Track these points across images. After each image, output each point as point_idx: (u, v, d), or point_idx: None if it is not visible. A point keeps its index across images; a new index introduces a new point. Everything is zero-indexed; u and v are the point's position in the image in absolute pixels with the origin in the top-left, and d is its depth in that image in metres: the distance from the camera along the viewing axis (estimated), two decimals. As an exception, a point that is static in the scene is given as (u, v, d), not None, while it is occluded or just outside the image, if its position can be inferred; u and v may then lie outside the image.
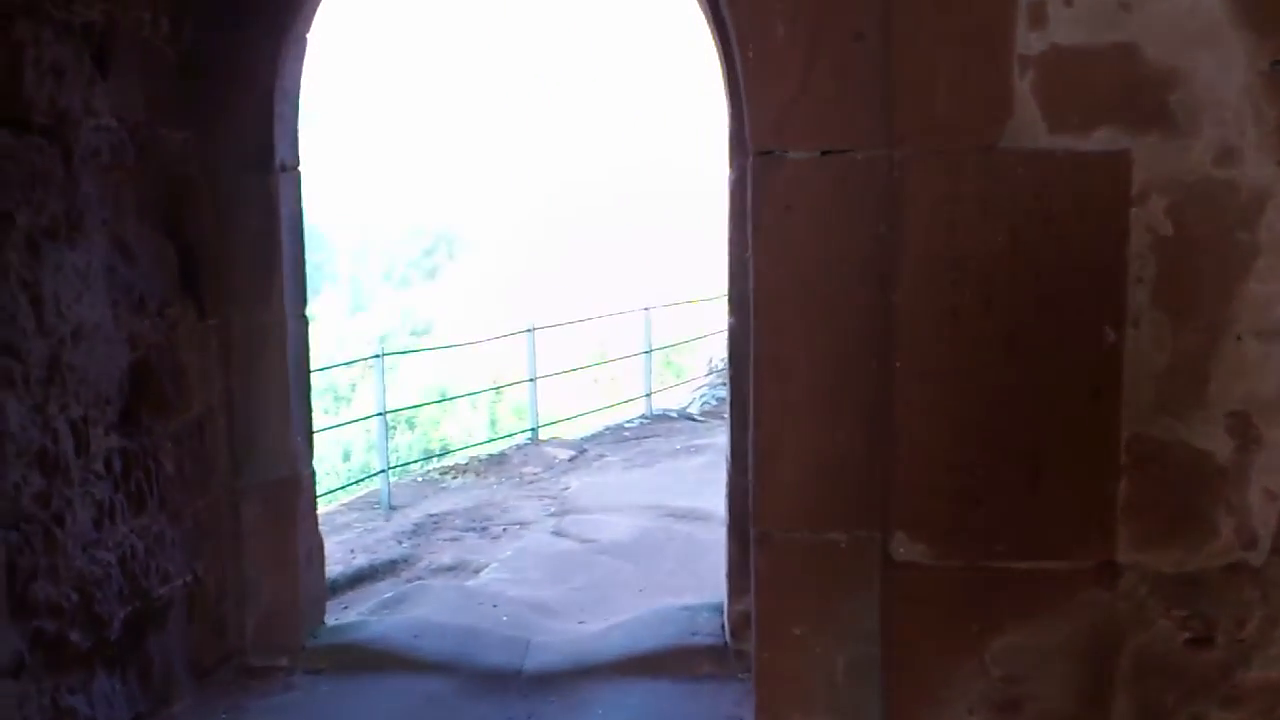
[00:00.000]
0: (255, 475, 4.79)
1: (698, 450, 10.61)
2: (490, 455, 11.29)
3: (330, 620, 5.31)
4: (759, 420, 3.47)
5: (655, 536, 7.73)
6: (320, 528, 5.35)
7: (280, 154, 4.73)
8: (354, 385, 29.45)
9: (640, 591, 6.52)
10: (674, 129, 46.82)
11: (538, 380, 12.18)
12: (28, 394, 3.48)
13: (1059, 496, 3.36)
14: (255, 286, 4.72)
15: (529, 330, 12.06)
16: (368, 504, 9.74)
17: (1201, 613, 3.40)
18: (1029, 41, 3.22)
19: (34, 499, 3.50)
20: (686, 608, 5.34)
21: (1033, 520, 3.37)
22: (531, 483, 10.06)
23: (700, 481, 8.88)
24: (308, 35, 4.86)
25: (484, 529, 8.47)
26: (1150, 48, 3.20)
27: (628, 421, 12.80)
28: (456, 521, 8.71)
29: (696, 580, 6.36)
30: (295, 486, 4.90)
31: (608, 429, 12.45)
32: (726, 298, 4.67)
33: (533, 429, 12.18)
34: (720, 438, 8.67)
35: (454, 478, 10.46)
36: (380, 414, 10.04)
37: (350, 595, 6.86)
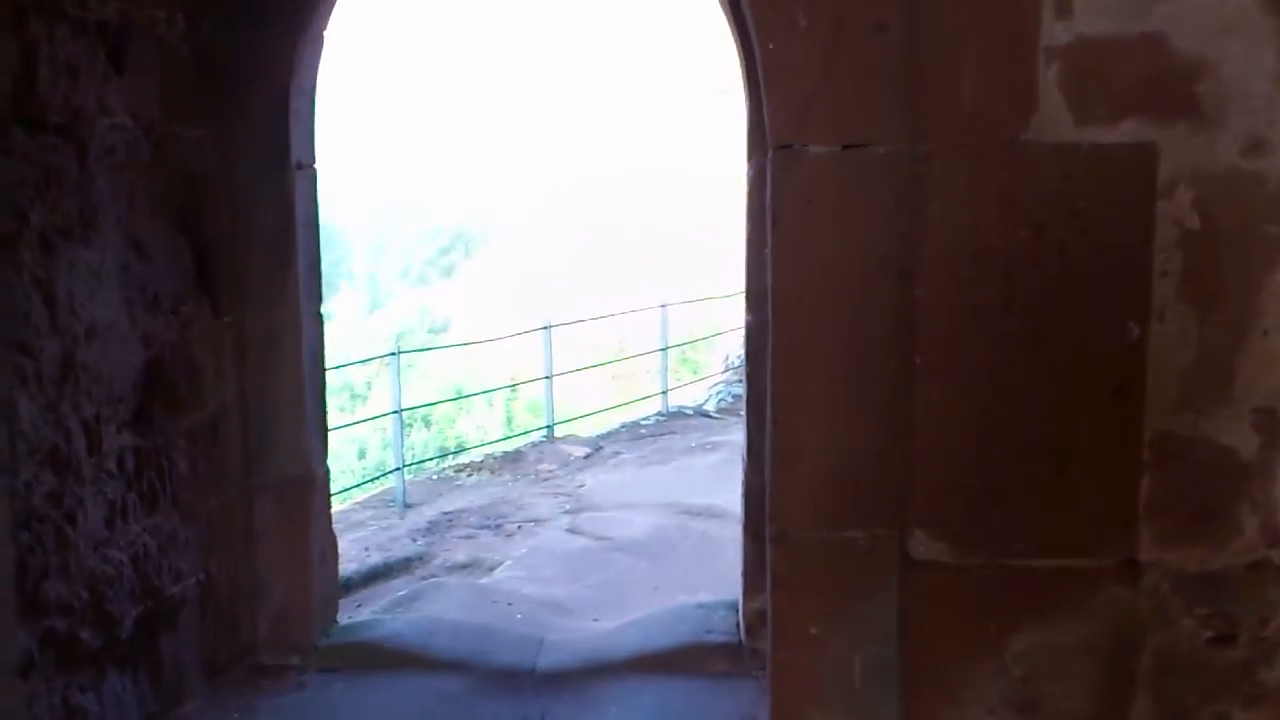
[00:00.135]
0: (269, 474, 4.77)
1: (714, 447, 10.58)
2: (505, 453, 11.28)
3: (344, 619, 5.29)
4: (777, 418, 3.43)
5: (671, 534, 7.71)
6: (335, 526, 5.33)
7: (296, 152, 4.71)
8: (370, 383, 29.53)
9: (655, 589, 6.50)
10: (691, 124, 46.77)
11: (554, 378, 12.16)
12: (40, 392, 3.46)
13: (1081, 494, 3.31)
14: (270, 285, 4.70)
15: (545, 328, 12.04)
16: (382, 502, 9.74)
17: (1224, 611, 3.35)
18: (1055, 32, 3.17)
19: (45, 498, 3.48)
20: (701, 606, 5.31)
21: (1054, 518, 3.33)
22: (547, 480, 10.04)
23: (716, 479, 8.85)
24: (325, 33, 4.83)
25: (499, 527, 8.45)
26: (1178, 37, 3.16)
27: (644, 419, 12.78)
28: (471, 519, 8.70)
29: (712, 578, 6.33)
30: (309, 485, 4.88)
31: (624, 426, 12.43)
32: (744, 294, 4.64)
33: (548, 426, 12.17)
34: (736, 435, 8.63)
35: (469, 475, 10.45)
36: (396, 412, 10.04)
37: (364, 593, 6.85)
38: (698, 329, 21.17)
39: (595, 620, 5.80)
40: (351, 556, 7.44)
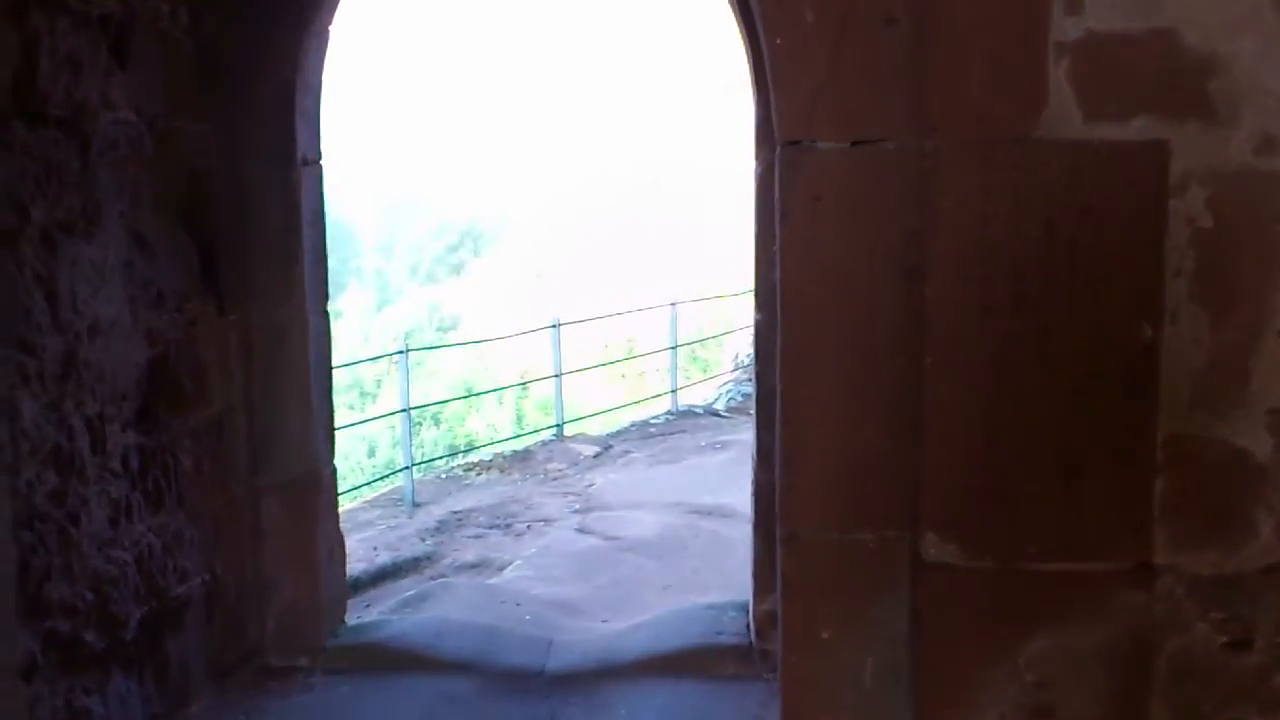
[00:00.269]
0: (275, 473, 4.75)
1: (723, 446, 10.55)
2: (515, 451, 11.27)
3: (352, 619, 5.27)
4: (786, 417, 3.39)
5: (680, 534, 7.69)
6: (343, 525, 5.31)
7: (302, 148, 4.69)
8: (379, 381, 29.59)
9: (665, 589, 6.48)
10: (701, 121, 46.75)
11: (563, 376, 12.14)
12: (43, 391, 3.43)
13: (1094, 496, 3.26)
14: (276, 282, 4.68)
15: (554, 326, 12.02)
16: (391, 501, 9.73)
17: (1240, 615, 3.30)
18: (1065, 27, 3.12)
19: (48, 497, 3.45)
20: (711, 606, 5.28)
21: (1067, 521, 3.28)
22: (556, 479, 10.03)
23: (726, 478, 8.83)
24: (330, 28, 4.82)
25: (508, 526, 8.43)
26: (1190, 33, 3.10)
27: (653, 417, 12.76)
28: (480, 518, 8.68)
29: (722, 578, 6.31)
30: (316, 484, 4.86)
31: (633, 425, 12.42)
32: (753, 292, 4.60)
33: (558, 425, 12.15)
34: (746, 434, 8.60)
35: (478, 474, 10.44)
36: (404, 410, 10.03)
37: (373, 593, 6.84)
38: (707, 327, 21.15)
39: (605, 621, 5.77)
40: (360, 556, 7.43)
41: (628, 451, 10.93)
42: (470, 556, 7.69)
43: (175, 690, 4.16)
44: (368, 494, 10.48)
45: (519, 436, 13.59)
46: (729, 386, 14.27)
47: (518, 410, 25.02)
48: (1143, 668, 3.33)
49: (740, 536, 6.09)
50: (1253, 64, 3.11)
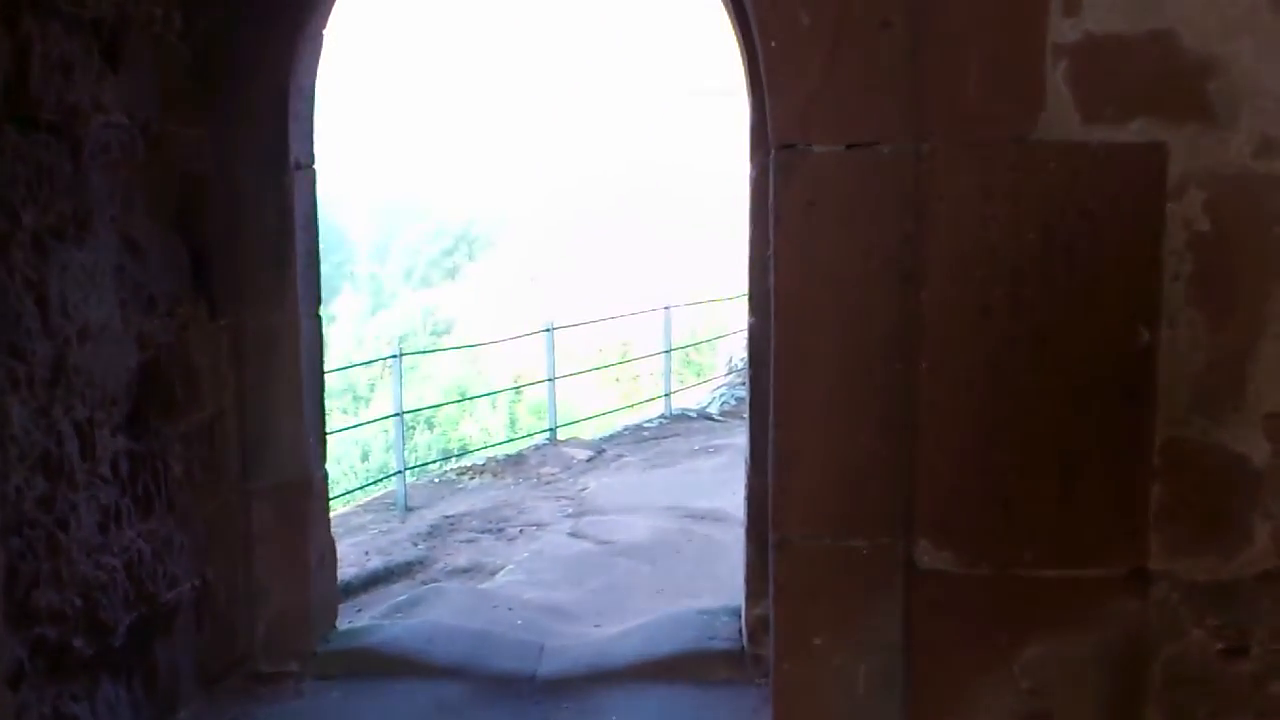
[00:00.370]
0: (266, 478, 4.72)
1: (717, 450, 10.54)
2: (508, 456, 11.24)
3: (343, 624, 5.25)
4: (779, 422, 3.38)
5: (673, 538, 7.67)
6: (335, 529, 5.29)
7: (295, 152, 4.67)
8: (373, 385, 29.56)
9: (658, 593, 6.46)
10: (696, 125, 46.78)
11: (556, 380, 12.12)
12: (32, 396, 3.41)
13: (1090, 502, 3.25)
14: (268, 286, 4.66)
15: (547, 330, 12.00)
16: (384, 505, 9.70)
17: (1235, 622, 3.28)
18: (1062, 29, 3.11)
19: (37, 503, 3.43)
20: (704, 611, 5.26)
21: (1063, 527, 3.26)
22: (549, 483, 10.00)
23: (719, 482, 8.82)
24: (323, 32, 4.80)
25: (500, 530, 8.41)
26: (1188, 35, 3.09)
27: (647, 421, 12.75)
28: (473, 523, 8.66)
29: (715, 582, 6.29)
30: (307, 489, 4.83)
31: (627, 429, 12.40)
32: (747, 296, 4.59)
33: (551, 429, 12.13)
34: (739, 438, 8.59)
35: (471, 478, 10.42)
36: (397, 414, 10.00)
37: (365, 597, 6.81)
38: (701, 331, 21.15)
39: (597, 626, 5.75)
40: (352, 560, 7.40)
41: (621, 455, 10.91)
42: (462, 561, 7.67)
43: (164, 697, 4.13)
44: (360, 498, 10.46)
45: (512, 440, 13.57)
46: (723, 390, 14.26)
47: (511, 414, 25.01)
48: (1138, 674, 3.31)
49: (733, 541, 6.07)
50: (1251, 65, 3.10)
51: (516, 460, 10.96)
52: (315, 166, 4.89)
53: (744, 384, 6.98)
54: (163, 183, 4.11)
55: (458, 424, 25.43)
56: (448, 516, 8.87)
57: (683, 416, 12.81)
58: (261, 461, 4.71)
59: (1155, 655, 3.31)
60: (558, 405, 12.34)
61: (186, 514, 4.28)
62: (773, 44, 3.25)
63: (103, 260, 3.76)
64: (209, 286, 4.43)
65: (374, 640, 4.99)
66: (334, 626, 5.10)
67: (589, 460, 10.79)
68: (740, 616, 4.93)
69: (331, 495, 5.43)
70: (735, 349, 15.57)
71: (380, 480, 11.51)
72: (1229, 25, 3.08)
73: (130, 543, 3.94)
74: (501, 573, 7.19)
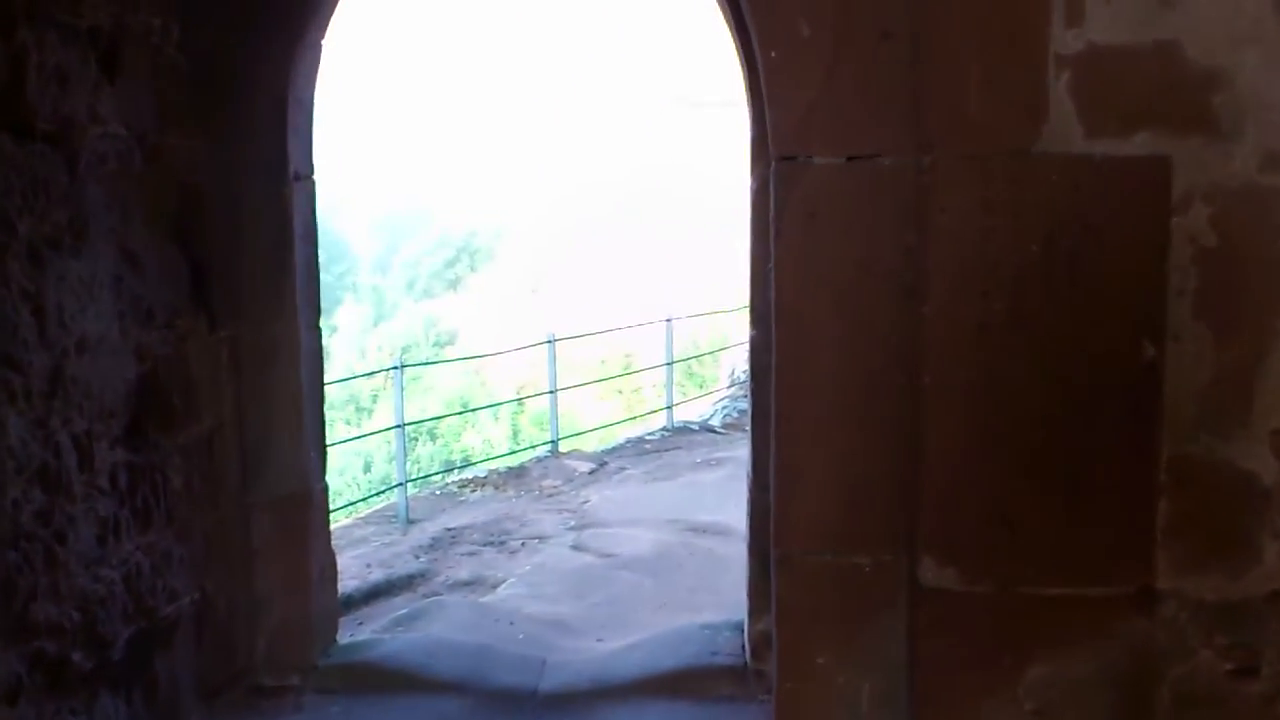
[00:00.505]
0: (266, 490, 4.70)
1: (719, 463, 10.51)
2: (509, 468, 11.21)
3: (344, 637, 5.22)
4: (780, 437, 3.35)
5: (676, 551, 7.64)
6: (336, 542, 5.26)
7: (294, 163, 4.65)
8: (376, 396, 29.54)
9: (660, 608, 6.42)
10: (698, 137, 46.84)
11: (558, 392, 12.10)
12: (29, 408, 3.38)
13: (1095, 519, 3.22)
14: (268, 298, 4.63)
15: (549, 341, 11.98)
16: (385, 517, 9.67)
17: (1245, 642, 3.25)
18: (1065, 40, 3.09)
19: (34, 516, 3.40)
20: (707, 626, 5.23)
21: (1068, 544, 3.23)
22: (551, 496, 9.97)
23: (721, 495, 8.78)
24: (322, 42, 4.79)
25: (502, 543, 8.38)
26: (1193, 47, 3.08)
27: (649, 434, 12.72)
28: (474, 536, 8.62)
29: (717, 597, 6.26)
30: (307, 502, 4.81)
31: (629, 441, 12.37)
32: (748, 309, 4.56)
33: (553, 441, 12.10)
34: (741, 450, 8.56)
35: (473, 491, 10.38)
36: (399, 426, 9.97)
37: (366, 610, 6.78)
38: (703, 343, 21.13)
39: (599, 640, 5.72)
40: (353, 573, 7.37)
41: (623, 468, 10.87)
42: (464, 574, 7.63)
43: (164, 710, 4.10)
44: (362, 510, 10.42)
45: (514, 453, 13.54)
46: (725, 403, 14.23)
47: (514, 426, 24.99)
48: (1145, 696, 3.28)
49: (736, 554, 6.04)
50: (1257, 78, 3.08)
51: (518, 472, 10.93)
52: (315, 177, 4.87)
53: (746, 396, 6.95)
54: (161, 194, 4.09)
55: (460, 435, 25.41)
56: (449, 529, 8.84)
57: (685, 429, 12.78)
58: (261, 474, 4.69)
59: (1163, 676, 3.27)
60: (560, 417, 12.32)
61: (186, 527, 4.26)
62: (772, 54, 3.23)
63: (100, 271, 3.74)
64: (208, 298, 4.40)
65: (375, 654, 4.96)
66: (335, 640, 5.07)
67: (591, 473, 10.76)
68: (743, 631, 4.90)
69: (334, 507, 5.41)
70: (737, 361, 15.55)
71: (381, 492, 11.48)
72: (1234, 37, 3.06)
73: (129, 556, 3.91)
74: (503, 586, 7.16)
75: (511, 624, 5.89)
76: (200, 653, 4.37)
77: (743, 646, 4.83)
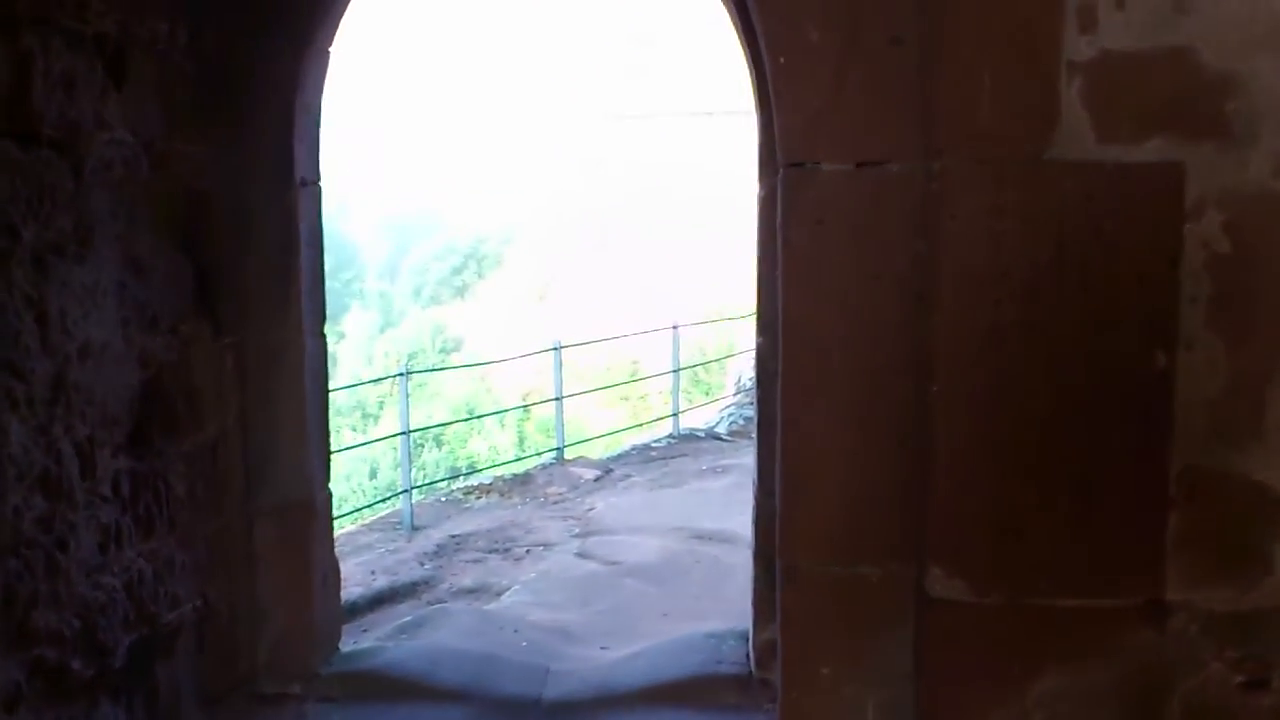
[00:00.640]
0: (270, 497, 4.68)
1: (725, 470, 10.47)
2: (515, 475, 11.19)
3: (348, 644, 5.20)
4: (787, 446, 3.32)
5: (681, 559, 7.61)
6: (341, 548, 5.24)
7: (300, 169, 4.64)
8: (382, 402, 29.59)
9: (665, 616, 6.39)
10: (707, 144, 46.87)
11: (564, 399, 12.07)
12: (31, 414, 3.37)
13: (1105, 530, 3.19)
14: (272, 304, 4.62)
15: (554, 348, 11.96)
16: (390, 524, 9.65)
17: (1256, 655, 3.22)
18: (1078, 46, 3.06)
19: (35, 523, 3.38)
20: (712, 635, 5.20)
21: (1078, 555, 3.20)
22: (556, 503, 9.94)
23: (727, 502, 8.74)
24: (330, 49, 4.78)
25: (507, 550, 8.35)
26: (1207, 52, 3.05)
27: (654, 441, 12.69)
28: (479, 542, 8.60)
29: (722, 604, 6.22)
30: (311, 509, 4.79)
31: (634, 448, 12.34)
32: (755, 316, 4.54)
33: (558, 448, 12.08)
34: (747, 458, 8.52)
35: (478, 498, 10.36)
36: (404, 433, 9.95)
37: (370, 617, 6.76)
38: (710, 350, 21.11)
39: (603, 648, 5.69)
40: (357, 580, 7.36)
41: (628, 475, 10.85)
42: (468, 581, 7.61)
43: (165, 718, 4.08)
44: (367, 517, 10.40)
45: (519, 460, 13.52)
46: (731, 410, 14.19)
47: (520, 432, 25.00)
48: (1155, 709, 3.25)
49: (741, 562, 6.01)
50: (1271, 83, 3.05)
51: (523, 479, 10.90)
52: (321, 184, 4.85)
53: (752, 404, 6.93)
54: (166, 200, 4.08)
55: (466, 442, 25.43)
56: (454, 536, 8.82)
57: (691, 436, 12.75)
58: (264, 481, 4.67)
59: (1173, 688, 3.24)
60: (565, 424, 12.30)
61: (188, 534, 4.24)
62: (781, 60, 3.21)
63: (104, 278, 3.72)
64: (212, 304, 4.39)
65: (378, 662, 4.94)
66: (338, 648, 5.05)
67: (596, 480, 10.73)
68: (748, 640, 4.87)
69: (340, 513, 5.38)
70: (743, 368, 15.52)
71: (387, 499, 11.46)
72: (1249, 42, 3.03)
73: (131, 563, 3.90)
74: (508, 593, 7.13)
75: (516, 632, 5.86)
76: (202, 660, 4.35)
77: (748, 655, 4.81)
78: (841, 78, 3.15)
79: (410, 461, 10.07)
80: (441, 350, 44.15)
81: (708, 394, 19.95)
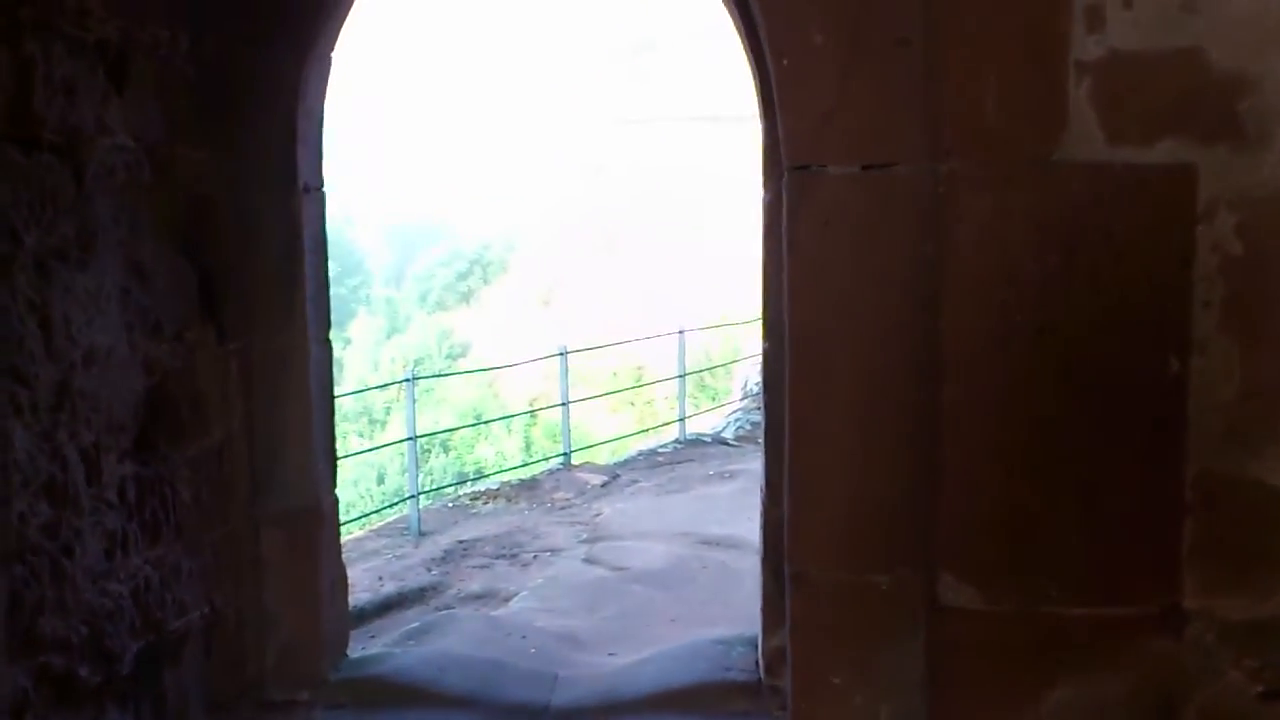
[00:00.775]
0: (276, 503, 4.66)
1: (732, 476, 10.45)
2: (521, 480, 11.18)
3: (356, 650, 5.19)
4: (795, 452, 3.30)
5: (688, 564, 7.59)
6: (348, 554, 5.23)
7: (303, 175, 4.63)
8: (389, 408, 29.61)
9: (672, 621, 6.38)
10: (713, 148, 46.88)
11: (570, 404, 12.06)
12: (35, 421, 3.35)
13: (1119, 537, 3.15)
14: (277, 310, 4.61)
15: (561, 354, 11.95)
16: (397, 530, 9.64)
17: (1274, 664, 3.18)
18: (1086, 46, 3.04)
19: (41, 530, 3.37)
20: (720, 641, 5.18)
21: (1091, 562, 3.17)
22: (563, 509, 9.93)
23: (734, 508, 8.73)
24: (332, 55, 4.78)
25: (514, 556, 8.34)
26: (1217, 52, 3.02)
27: (661, 446, 12.68)
28: (486, 548, 8.59)
29: (730, 610, 6.20)
30: (317, 515, 4.77)
31: (641, 454, 12.32)
32: (761, 321, 4.52)
33: (565, 454, 12.07)
34: (755, 463, 8.51)
35: (485, 503, 10.35)
36: (410, 439, 9.94)
37: (378, 624, 6.75)
38: (716, 354, 21.10)
39: (611, 654, 5.67)
40: (365, 586, 7.35)
41: (635, 480, 10.83)
42: (476, 587, 7.60)
43: (171, 726, 4.06)
44: (374, 522, 10.40)
45: (526, 465, 13.51)
46: (737, 415, 14.17)
47: (526, 438, 25.00)
48: (1171, 718, 3.20)
49: (749, 568, 5.99)
50: (1283, 84, 3.02)
51: (530, 485, 10.89)
52: (324, 189, 4.84)
53: (759, 409, 6.91)
54: (169, 206, 4.07)
55: (473, 447, 25.43)
56: (461, 541, 8.81)
57: (698, 441, 12.73)
58: (271, 487, 4.66)
59: (1190, 698, 3.21)
60: (572, 429, 12.28)
61: (195, 540, 4.22)
62: (785, 62, 3.19)
63: (108, 283, 3.71)
64: (217, 310, 4.38)
65: (386, 669, 4.92)
66: (345, 654, 5.04)
67: (603, 485, 10.72)
68: (757, 647, 4.85)
69: (347, 519, 5.37)
70: (750, 373, 15.50)
71: (394, 504, 11.45)
72: (1260, 42, 3.00)
73: (137, 570, 3.88)
74: (515, 599, 7.12)
75: (523, 638, 5.85)
76: (209, 667, 4.33)
77: (756, 662, 4.78)
78: (846, 80, 3.12)
79: (417, 467, 10.07)
80: (448, 356, 44.18)
81: (714, 399, 19.94)
